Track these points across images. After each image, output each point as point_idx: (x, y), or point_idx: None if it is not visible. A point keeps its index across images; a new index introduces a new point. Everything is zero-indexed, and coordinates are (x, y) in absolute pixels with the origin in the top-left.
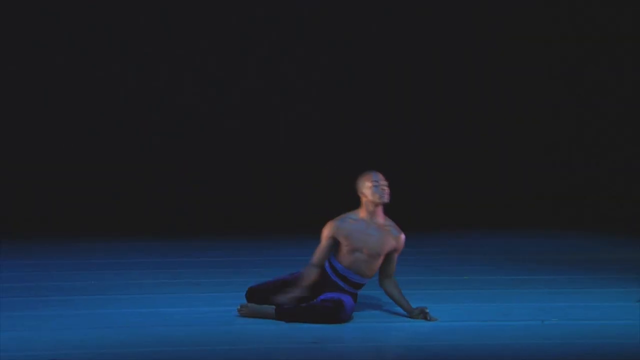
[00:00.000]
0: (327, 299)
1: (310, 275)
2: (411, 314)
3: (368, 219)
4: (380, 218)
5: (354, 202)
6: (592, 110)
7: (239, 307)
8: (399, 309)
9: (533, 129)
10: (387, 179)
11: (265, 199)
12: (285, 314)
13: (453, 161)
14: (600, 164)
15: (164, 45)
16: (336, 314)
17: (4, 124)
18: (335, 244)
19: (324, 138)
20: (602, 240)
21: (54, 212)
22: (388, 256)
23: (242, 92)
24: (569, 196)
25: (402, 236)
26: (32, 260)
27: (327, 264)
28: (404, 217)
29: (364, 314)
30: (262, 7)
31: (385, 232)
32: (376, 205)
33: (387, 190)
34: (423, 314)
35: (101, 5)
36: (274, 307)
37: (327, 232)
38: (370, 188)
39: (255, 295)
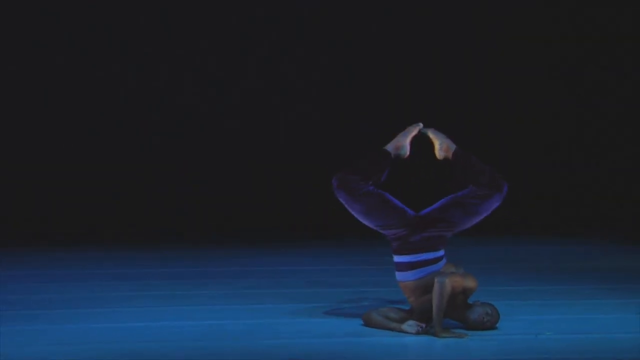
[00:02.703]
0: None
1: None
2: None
3: None
4: None
5: None
6: (592, 110)
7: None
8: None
9: (533, 129)
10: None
11: (265, 199)
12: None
13: None
14: (600, 164)
15: (164, 45)
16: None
17: (4, 124)
18: None
19: (324, 138)
20: (599, 248)
21: (54, 212)
22: None
23: (242, 92)
24: (569, 196)
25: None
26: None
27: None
28: None
29: (345, 330)
30: (262, 7)
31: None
32: None
33: None
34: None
35: (101, 5)
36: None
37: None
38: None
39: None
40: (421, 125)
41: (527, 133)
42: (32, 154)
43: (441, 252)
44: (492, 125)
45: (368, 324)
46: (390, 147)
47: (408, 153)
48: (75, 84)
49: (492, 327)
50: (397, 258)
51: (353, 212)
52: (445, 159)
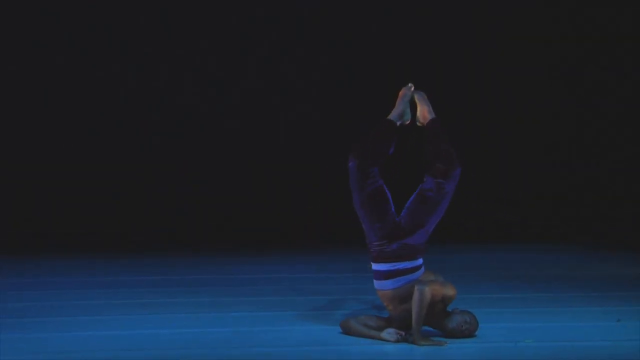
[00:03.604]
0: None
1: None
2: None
3: None
4: None
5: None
6: (592, 110)
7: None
8: None
9: (533, 129)
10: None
11: (265, 199)
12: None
13: None
14: (600, 164)
15: (164, 45)
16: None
17: (4, 124)
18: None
19: (324, 138)
20: (580, 255)
21: (54, 212)
22: None
23: (242, 92)
24: (569, 196)
25: None
26: None
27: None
28: None
29: (323, 338)
30: (262, 7)
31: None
32: None
33: None
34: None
35: (101, 5)
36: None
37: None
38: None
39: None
40: (412, 87)
41: (527, 133)
42: (32, 154)
43: (419, 261)
44: (492, 125)
45: (347, 331)
46: (394, 116)
47: (410, 118)
48: (75, 84)
49: (471, 335)
50: (375, 266)
51: (355, 195)
52: (422, 126)
